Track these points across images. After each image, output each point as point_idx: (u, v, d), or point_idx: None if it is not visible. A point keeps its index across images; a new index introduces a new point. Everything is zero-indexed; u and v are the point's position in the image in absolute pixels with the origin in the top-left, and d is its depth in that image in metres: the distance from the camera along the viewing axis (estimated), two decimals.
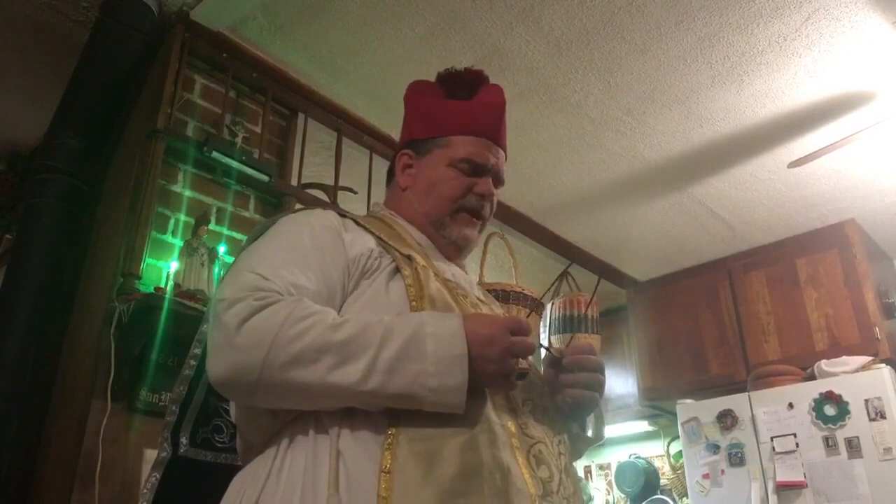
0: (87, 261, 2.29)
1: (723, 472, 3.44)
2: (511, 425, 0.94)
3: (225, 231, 2.31)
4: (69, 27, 2.45)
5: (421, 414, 0.87)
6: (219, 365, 0.90)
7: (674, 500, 4.21)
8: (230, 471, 1.00)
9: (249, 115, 2.54)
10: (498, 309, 1.22)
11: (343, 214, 1.13)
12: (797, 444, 3.25)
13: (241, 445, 1.05)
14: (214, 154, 2.25)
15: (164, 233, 2.17)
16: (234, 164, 2.30)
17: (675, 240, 3.96)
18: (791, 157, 3.10)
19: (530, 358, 0.99)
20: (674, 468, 4.31)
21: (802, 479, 3.17)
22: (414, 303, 0.97)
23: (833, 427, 3.18)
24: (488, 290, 1.49)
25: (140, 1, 2.31)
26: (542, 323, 2.65)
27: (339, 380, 0.86)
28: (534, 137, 3.08)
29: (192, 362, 1.17)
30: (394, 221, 1.19)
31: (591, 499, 4.62)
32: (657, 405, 4.20)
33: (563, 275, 2.57)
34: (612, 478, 4.59)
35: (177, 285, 2.00)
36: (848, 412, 3.17)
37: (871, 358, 3.33)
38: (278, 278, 0.94)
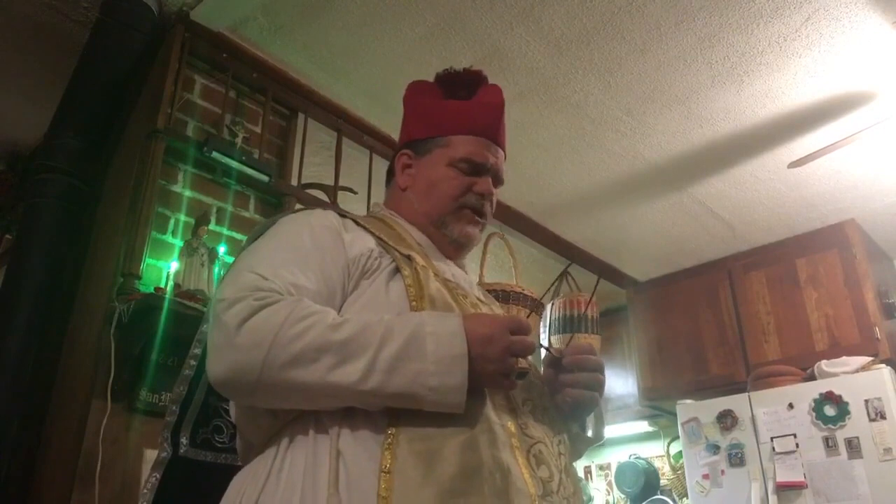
0: (87, 261, 2.29)
1: (723, 472, 3.44)
2: (511, 425, 0.94)
3: (225, 231, 2.31)
4: (69, 27, 2.45)
5: (421, 414, 0.87)
6: (219, 365, 0.90)
7: (674, 500, 4.21)
8: (230, 471, 1.00)
9: (249, 115, 2.54)
10: (498, 309, 1.22)
11: (343, 214, 1.13)
12: (797, 445, 3.24)
13: (241, 445, 1.05)
14: (214, 154, 2.25)
15: (164, 233, 2.17)
16: (234, 164, 2.30)
17: (675, 240, 3.96)
18: (791, 158, 3.11)
19: (530, 358, 0.99)
20: (674, 468, 4.31)
21: (802, 479, 3.17)
22: (414, 303, 0.97)
23: (833, 427, 3.18)
24: (488, 291, 1.49)
25: (140, 1, 2.31)
26: (542, 323, 2.65)
27: (339, 379, 0.86)
28: (534, 137, 3.08)
29: (192, 362, 1.18)
30: (394, 222, 1.19)
31: (591, 499, 4.62)
32: (657, 405, 4.20)
33: (563, 275, 2.57)
34: (612, 478, 4.59)
35: (177, 285, 2.00)
36: (848, 412, 3.17)
37: (871, 358, 3.33)
38: (278, 278, 0.94)
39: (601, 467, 4.75)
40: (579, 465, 4.71)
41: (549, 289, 1.58)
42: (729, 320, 3.95)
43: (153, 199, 2.08)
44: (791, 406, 3.32)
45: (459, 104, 1.23)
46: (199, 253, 2.11)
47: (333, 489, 0.83)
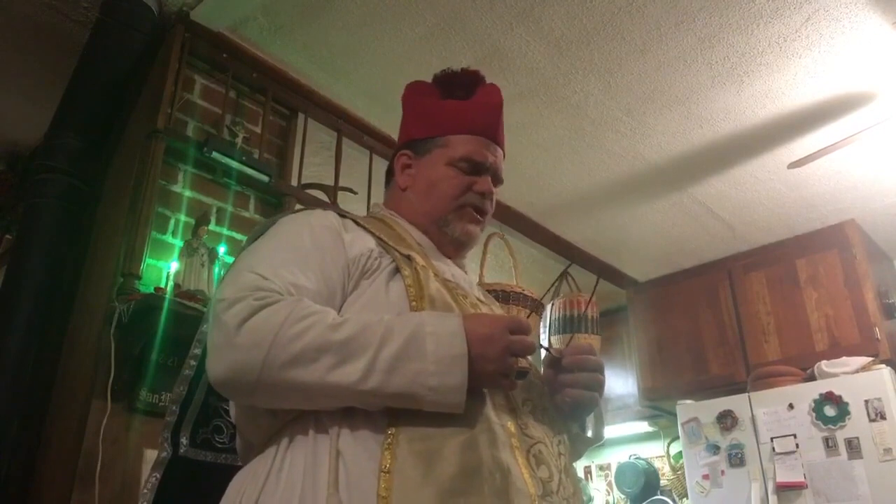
0: (87, 261, 2.29)
1: (723, 472, 3.44)
2: (511, 425, 0.94)
3: (225, 231, 2.31)
4: (69, 27, 2.45)
5: (421, 414, 0.87)
6: (219, 365, 0.90)
7: (674, 500, 4.21)
8: (230, 471, 1.00)
9: (249, 115, 2.54)
10: (497, 309, 1.22)
11: (343, 215, 1.13)
12: (797, 445, 3.24)
13: (241, 445, 1.05)
14: (214, 154, 2.25)
15: (164, 233, 2.17)
16: (234, 164, 2.30)
17: (675, 240, 3.96)
18: (791, 158, 3.11)
19: (530, 358, 0.99)
20: (674, 469, 4.31)
21: (802, 479, 3.17)
22: (414, 303, 0.97)
23: (833, 428, 3.18)
24: (488, 291, 1.49)
25: (140, 1, 2.31)
26: (541, 323, 2.65)
27: (338, 379, 0.86)
28: (534, 137, 3.08)
29: (192, 362, 1.18)
30: (394, 222, 1.19)
31: (591, 499, 4.62)
32: (657, 405, 4.20)
33: (563, 275, 2.57)
34: (612, 478, 4.59)
35: (177, 285, 2.00)
36: (848, 413, 3.17)
37: (871, 358, 3.33)
38: (278, 278, 0.94)
39: (601, 467, 4.75)
40: (579, 466, 4.71)
41: (549, 289, 1.58)
42: (729, 320, 3.95)
43: (153, 199, 2.08)
44: (791, 406, 3.32)
45: (458, 104, 1.23)
46: (199, 253, 2.11)
47: (333, 489, 0.83)
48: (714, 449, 3.49)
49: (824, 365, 3.38)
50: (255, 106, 2.58)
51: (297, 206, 2.43)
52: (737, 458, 3.40)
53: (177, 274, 2.04)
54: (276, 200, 2.49)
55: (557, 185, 3.45)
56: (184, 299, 1.92)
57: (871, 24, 2.46)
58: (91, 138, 2.33)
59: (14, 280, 2.13)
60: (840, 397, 3.21)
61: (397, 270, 1.02)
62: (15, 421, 1.99)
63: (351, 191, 2.70)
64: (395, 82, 2.66)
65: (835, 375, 3.31)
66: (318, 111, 2.76)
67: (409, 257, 1.05)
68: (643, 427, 4.50)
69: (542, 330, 2.63)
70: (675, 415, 3.77)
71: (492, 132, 1.22)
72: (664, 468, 4.40)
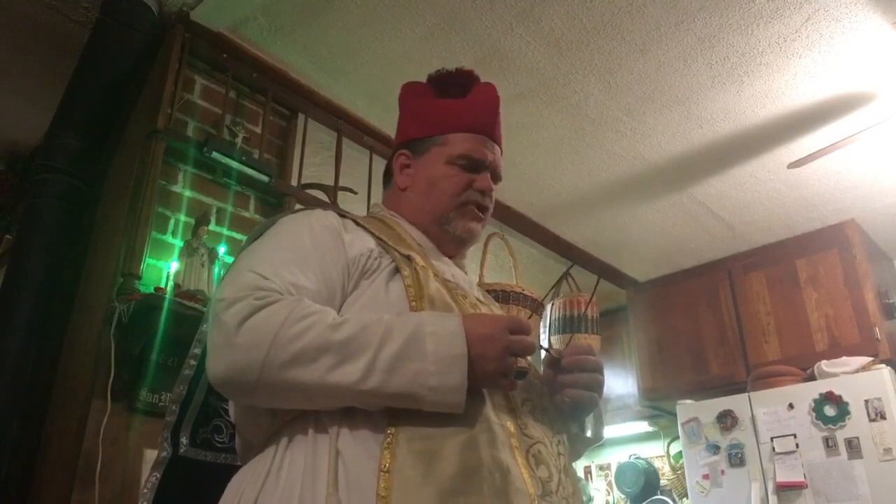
0: (87, 261, 2.29)
1: (723, 472, 3.44)
2: (510, 425, 0.94)
3: (225, 231, 2.31)
4: (69, 27, 2.46)
5: (420, 413, 0.87)
6: (219, 364, 0.90)
7: (674, 500, 4.21)
8: (230, 471, 1.00)
9: (249, 115, 2.54)
10: (497, 310, 1.22)
11: (343, 215, 1.13)
12: (797, 445, 3.24)
13: (241, 445, 1.05)
14: (214, 154, 2.25)
15: (164, 233, 2.17)
16: (234, 164, 2.30)
17: (675, 240, 3.96)
18: (791, 158, 3.11)
19: (530, 359, 0.99)
20: (674, 469, 4.31)
21: (802, 479, 3.17)
22: (413, 303, 0.97)
23: (833, 427, 3.18)
24: (489, 291, 1.49)
25: (140, 1, 2.31)
26: (542, 323, 2.66)
27: (338, 379, 0.86)
28: (534, 138, 3.08)
29: (192, 362, 1.18)
30: (394, 222, 1.19)
31: (591, 499, 4.62)
32: (657, 405, 4.20)
33: (564, 276, 2.57)
34: (612, 478, 4.59)
35: (177, 285, 2.00)
36: (848, 413, 3.17)
37: (871, 358, 3.33)
38: (278, 278, 0.94)
39: (601, 467, 4.75)
40: (579, 466, 4.71)
41: (549, 291, 1.58)
42: (729, 320, 3.95)
43: (153, 199, 2.08)
44: (791, 406, 3.32)
45: (455, 102, 1.24)
46: (199, 253, 2.11)
47: (332, 488, 0.83)
48: (714, 449, 3.49)
49: (824, 365, 3.38)
50: (255, 106, 2.58)
51: (297, 206, 2.43)
52: (737, 458, 3.40)
53: (177, 274, 2.04)
54: (276, 200, 2.49)
55: (557, 185, 3.45)
56: (184, 299, 1.92)
57: (871, 24, 2.46)
58: (91, 138, 2.33)
59: (14, 280, 2.13)
60: (840, 397, 3.21)
61: (397, 270, 1.02)
62: (15, 421, 1.99)
63: (351, 191, 2.70)
64: (395, 82, 2.64)
65: (835, 375, 3.31)
66: (318, 111, 2.76)
67: (408, 257, 1.05)
68: (643, 427, 4.50)
69: (542, 330, 2.63)
70: (675, 415, 3.77)
71: (489, 129, 1.22)
72: (664, 468, 4.41)
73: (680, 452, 3.87)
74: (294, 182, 2.58)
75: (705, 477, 3.49)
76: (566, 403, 1.04)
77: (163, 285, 2.02)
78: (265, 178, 2.39)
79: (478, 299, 1.16)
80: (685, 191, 3.49)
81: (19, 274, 2.14)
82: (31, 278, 2.12)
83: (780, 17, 2.44)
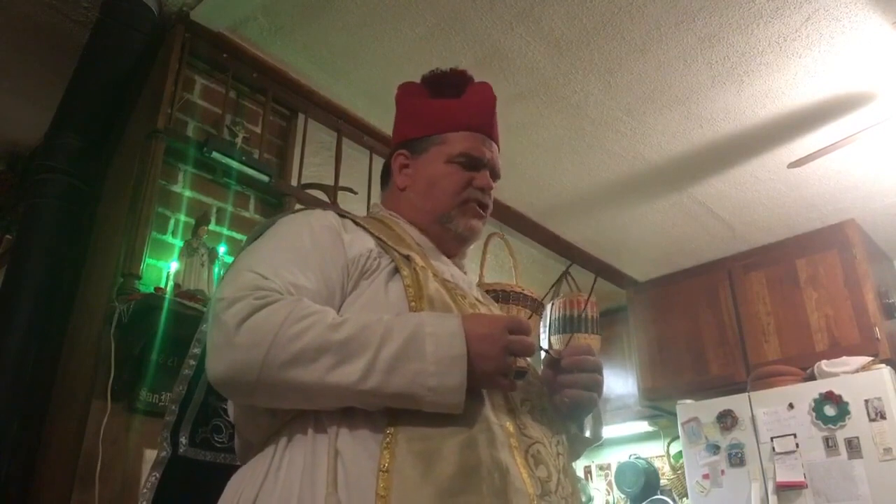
0: (87, 261, 2.29)
1: (723, 472, 3.44)
2: (509, 425, 0.94)
3: (225, 231, 2.31)
4: (69, 27, 2.46)
5: (420, 413, 0.87)
6: (218, 364, 0.90)
7: (674, 500, 4.21)
8: (229, 471, 1.00)
9: (249, 115, 2.54)
10: (496, 310, 1.22)
11: (342, 215, 1.14)
12: (797, 445, 3.24)
13: (240, 445, 1.05)
14: (214, 154, 2.25)
15: (164, 233, 2.17)
16: (234, 164, 2.30)
17: (675, 240, 3.96)
18: (791, 158, 3.11)
19: (529, 360, 0.99)
20: (674, 468, 4.31)
21: (802, 479, 3.17)
22: (413, 303, 0.97)
23: (833, 427, 3.18)
24: (489, 291, 1.49)
25: (140, 1, 2.31)
26: (542, 323, 2.66)
27: (338, 379, 0.86)
28: (534, 138, 3.08)
29: (192, 362, 1.18)
30: (393, 222, 1.19)
31: (591, 499, 4.61)
32: (657, 405, 4.20)
33: (564, 276, 2.57)
34: (612, 478, 4.59)
35: (177, 285, 2.00)
36: (848, 412, 3.17)
37: (871, 358, 3.33)
38: (278, 278, 0.94)
39: (601, 467, 4.75)
40: (579, 465, 4.71)
41: (549, 291, 1.58)
42: (729, 320, 3.95)
43: (153, 199, 2.08)
44: (791, 406, 3.32)
45: (452, 102, 1.25)
46: (199, 253, 2.11)
47: (332, 488, 0.83)
48: (714, 449, 3.49)
49: (824, 365, 3.38)
50: (255, 106, 2.58)
51: (297, 206, 2.43)
52: (737, 458, 3.40)
53: (177, 274, 2.04)
54: (276, 200, 2.49)
55: (557, 185, 3.45)
56: (184, 299, 1.92)
57: (871, 24, 2.46)
58: (91, 138, 2.33)
59: (14, 280, 2.13)
60: (840, 397, 3.21)
61: (396, 271, 1.02)
62: (15, 421, 1.99)
63: (351, 191, 2.70)
64: (395, 82, 2.62)
65: (835, 375, 3.31)
66: (318, 111, 2.76)
67: (408, 258, 1.05)
68: (643, 427, 4.50)
69: (542, 330, 2.63)
70: (675, 415, 3.77)
71: (487, 128, 1.23)
72: (664, 468, 4.41)
73: (680, 452, 3.87)
74: (294, 182, 2.58)
75: (705, 477, 3.49)
76: (565, 404, 1.04)
77: (163, 285, 2.02)
78: (265, 178, 2.39)
79: (477, 299, 1.16)
80: (685, 191, 3.49)
81: (19, 274, 2.14)
82: (31, 278, 2.12)
83: (780, 17, 2.44)
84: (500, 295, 2.03)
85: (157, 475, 1.14)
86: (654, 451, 4.51)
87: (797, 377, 3.47)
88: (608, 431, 4.46)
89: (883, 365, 3.27)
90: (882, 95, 2.81)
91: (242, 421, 1.01)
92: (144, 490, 1.14)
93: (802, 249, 3.82)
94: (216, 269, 2.14)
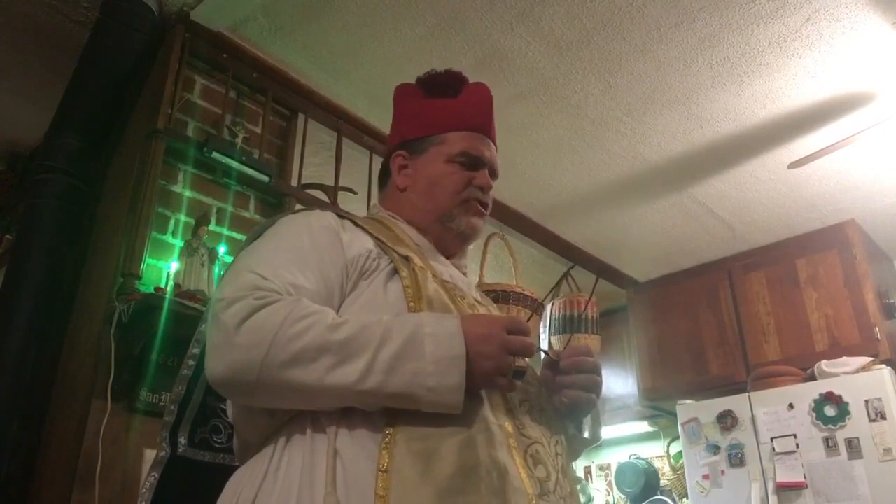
0: (87, 261, 2.29)
1: (723, 472, 3.44)
2: (508, 425, 0.94)
3: (225, 231, 2.31)
4: (69, 27, 2.46)
5: (419, 414, 0.88)
6: (218, 364, 0.90)
7: (674, 500, 4.21)
8: (228, 471, 1.00)
9: (249, 115, 2.54)
10: (495, 311, 1.23)
11: (342, 215, 1.14)
12: (797, 445, 3.24)
13: (238, 445, 1.05)
14: (214, 154, 2.25)
15: (164, 233, 2.17)
16: (235, 164, 2.30)
17: (675, 240, 3.96)
18: (791, 158, 3.10)
19: (528, 360, 0.99)
20: (674, 469, 4.31)
21: (802, 479, 3.17)
22: (412, 304, 0.97)
23: (833, 428, 3.18)
24: (488, 292, 1.49)
25: (140, 1, 2.31)
26: (542, 324, 2.66)
27: (337, 379, 0.86)
28: (534, 138, 3.08)
29: (191, 362, 1.18)
30: (392, 223, 1.19)
31: (590, 499, 4.61)
32: (657, 405, 4.20)
33: (565, 277, 2.57)
34: (612, 478, 4.59)
35: (177, 285, 2.00)
36: (848, 413, 3.17)
37: (871, 358, 3.33)
38: (277, 278, 0.95)
39: (601, 467, 4.75)
40: (579, 466, 4.71)
41: (549, 292, 1.58)
42: (729, 320, 3.95)
43: (153, 199, 2.08)
44: (791, 406, 3.32)
45: (450, 102, 1.25)
46: (199, 253, 2.11)
47: (331, 488, 0.83)
48: (714, 449, 3.49)
49: (824, 365, 3.38)
50: (255, 106, 2.58)
51: (297, 206, 2.43)
52: (737, 458, 3.40)
53: (177, 274, 2.04)
54: (276, 200, 2.49)
55: (557, 185, 3.45)
56: (184, 299, 1.92)
57: (871, 24, 2.46)
58: (91, 138, 2.33)
59: (14, 280, 2.13)
60: (840, 397, 3.21)
61: (395, 271, 1.02)
62: (15, 421, 1.99)
63: (351, 191, 2.70)
64: (395, 82, 2.62)
65: (835, 375, 3.31)
66: (318, 111, 2.76)
67: (407, 258, 1.05)
68: (643, 427, 4.50)
69: (542, 330, 2.63)
70: (675, 415, 3.77)
71: (486, 127, 1.24)
72: (664, 468, 4.41)
73: (680, 452, 3.87)
74: (294, 182, 2.58)
75: (705, 477, 3.49)
76: (564, 404, 1.05)
77: (163, 285, 2.02)
78: (265, 178, 2.39)
79: (476, 300, 1.16)
80: (685, 191, 3.49)
81: (19, 274, 2.14)
82: (31, 278, 2.12)
83: (780, 17, 2.44)
84: (500, 295, 2.03)
85: (156, 475, 1.14)
86: (654, 452, 4.51)
87: (797, 377, 3.47)
88: (608, 431, 4.46)
89: (883, 365, 3.27)
90: (882, 95, 2.81)
91: (241, 421, 1.01)
92: (143, 490, 1.14)
93: (802, 249, 3.82)
94: (216, 270, 2.14)
